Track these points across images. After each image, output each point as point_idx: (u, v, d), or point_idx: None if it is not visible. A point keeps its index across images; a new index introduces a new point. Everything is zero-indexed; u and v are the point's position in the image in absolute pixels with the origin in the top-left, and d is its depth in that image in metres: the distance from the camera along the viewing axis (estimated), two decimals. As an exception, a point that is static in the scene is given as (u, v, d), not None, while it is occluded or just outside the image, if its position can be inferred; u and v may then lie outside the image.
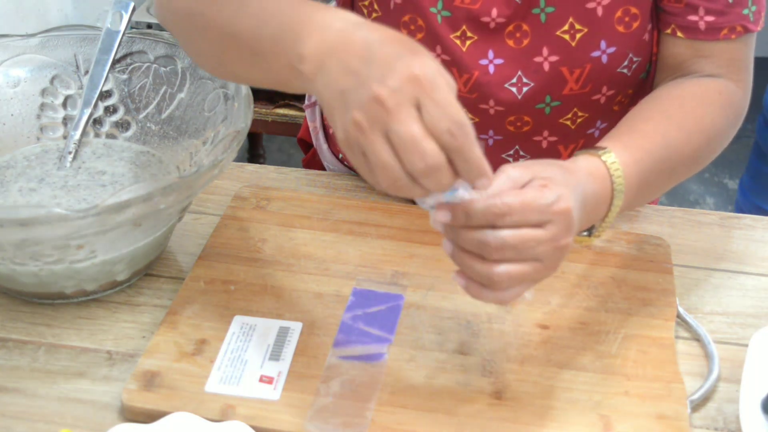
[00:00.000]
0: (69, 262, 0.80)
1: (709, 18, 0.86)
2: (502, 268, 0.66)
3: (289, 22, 0.67)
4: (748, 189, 2.07)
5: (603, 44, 0.87)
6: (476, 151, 0.62)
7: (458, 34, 0.87)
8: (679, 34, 0.88)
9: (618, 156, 0.76)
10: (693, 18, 0.87)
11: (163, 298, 0.87)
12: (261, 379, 0.77)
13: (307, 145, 1.20)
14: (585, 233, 0.78)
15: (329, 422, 0.73)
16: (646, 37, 0.89)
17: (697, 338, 0.84)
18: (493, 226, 0.66)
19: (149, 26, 1.79)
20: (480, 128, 0.93)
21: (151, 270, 0.90)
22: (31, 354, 0.81)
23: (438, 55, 0.88)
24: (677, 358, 0.80)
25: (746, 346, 0.78)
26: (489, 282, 0.67)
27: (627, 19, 0.86)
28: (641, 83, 0.93)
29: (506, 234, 0.66)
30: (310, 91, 0.66)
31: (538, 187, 0.68)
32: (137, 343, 0.82)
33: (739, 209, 2.10)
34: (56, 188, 0.90)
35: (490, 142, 0.94)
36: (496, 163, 0.94)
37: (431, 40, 0.88)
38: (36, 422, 0.75)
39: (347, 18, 0.66)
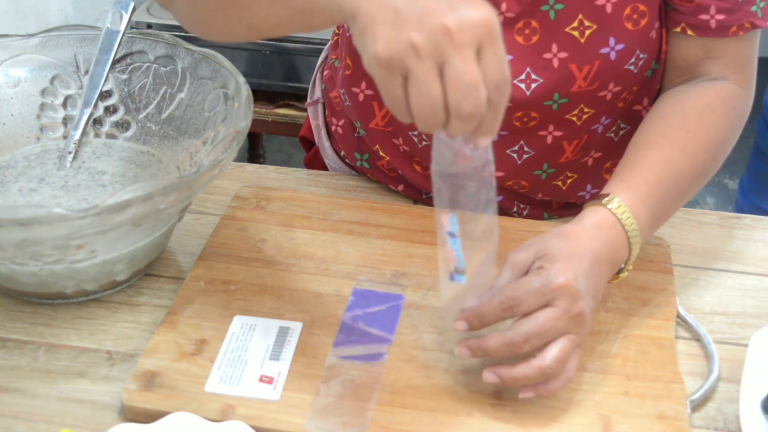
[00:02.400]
0: (69, 262, 0.80)
1: (720, 16, 0.86)
2: (548, 358, 0.71)
3: None
4: (748, 189, 2.07)
5: (612, 41, 0.87)
6: (503, 113, 0.63)
7: None
8: (689, 32, 0.88)
9: (624, 199, 0.80)
10: (704, 17, 0.87)
11: (163, 298, 0.87)
12: (261, 379, 0.77)
13: (308, 144, 1.20)
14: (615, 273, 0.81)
15: (329, 422, 0.73)
16: (653, 34, 0.89)
17: (697, 338, 0.84)
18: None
19: (149, 26, 1.79)
20: None
21: (151, 270, 0.90)
22: (31, 354, 0.81)
23: None
24: (677, 358, 0.80)
25: (746, 346, 0.78)
26: (545, 376, 0.72)
27: (635, 16, 0.86)
28: (646, 81, 0.93)
29: (525, 326, 0.71)
30: (343, 8, 0.63)
31: (536, 271, 0.73)
32: (137, 343, 0.82)
33: (739, 209, 2.10)
34: (56, 188, 0.90)
35: (496, 137, 0.94)
36: (500, 158, 0.95)
37: None
38: (36, 422, 0.75)
39: None
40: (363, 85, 0.98)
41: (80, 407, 0.76)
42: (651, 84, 0.95)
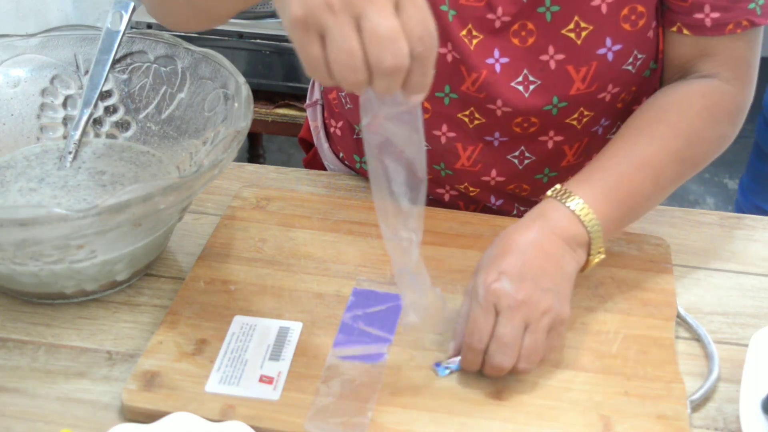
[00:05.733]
0: (69, 262, 0.80)
1: (715, 14, 0.86)
2: (522, 359, 0.76)
3: None
4: (748, 189, 2.07)
5: (608, 42, 0.87)
6: (433, 68, 0.61)
7: (464, 33, 0.87)
8: (685, 31, 0.88)
9: (571, 185, 0.81)
10: (699, 16, 0.86)
11: (163, 298, 0.87)
12: (261, 379, 0.77)
13: (308, 145, 1.20)
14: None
15: (329, 422, 0.73)
16: (651, 34, 0.89)
17: (697, 338, 0.84)
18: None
19: (149, 26, 1.79)
20: (486, 130, 0.93)
21: (151, 270, 0.90)
22: (31, 354, 0.81)
23: (449, 52, 0.88)
24: (677, 358, 0.80)
25: (746, 346, 0.78)
26: (528, 364, 0.76)
27: (633, 17, 0.86)
28: (645, 81, 0.93)
29: (493, 351, 0.75)
30: None
31: (468, 293, 0.78)
32: (137, 343, 0.82)
33: (739, 209, 2.10)
34: (56, 188, 0.90)
35: (496, 143, 0.94)
36: (501, 163, 0.95)
37: (443, 38, 0.87)
38: (36, 422, 0.75)
39: None
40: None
41: (80, 407, 0.76)
42: (650, 85, 0.95)
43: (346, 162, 1.09)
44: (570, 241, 0.79)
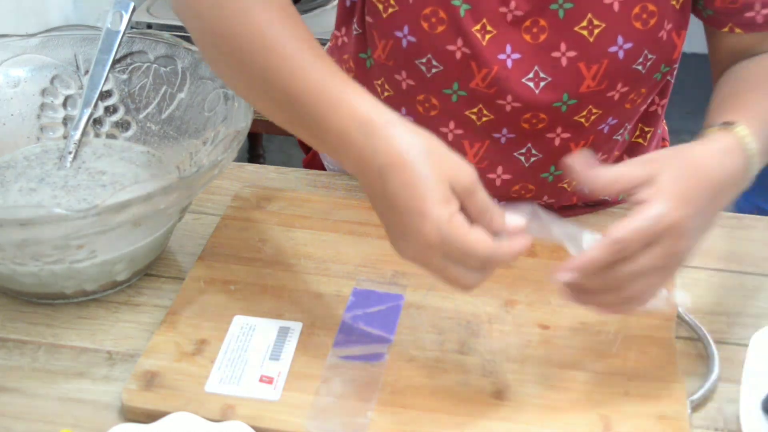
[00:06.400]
0: (69, 262, 0.80)
1: (766, 11, 0.87)
2: (636, 291, 0.70)
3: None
4: (748, 189, 2.06)
5: (620, 40, 0.87)
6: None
7: (478, 27, 0.87)
8: (737, 30, 0.89)
9: (746, 127, 0.77)
10: (750, 14, 0.87)
11: (163, 298, 0.87)
12: (261, 379, 0.77)
13: (307, 145, 1.19)
14: None
15: (329, 422, 0.73)
16: (663, 35, 0.88)
17: (697, 338, 0.84)
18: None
19: (149, 26, 1.79)
20: (494, 126, 0.92)
21: (151, 270, 0.90)
22: (31, 354, 0.81)
23: (458, 49, 0.88)
24: (677, 358, 0.80)
25: (746, 346, 0.78)
26: (628, 303, 0.72)
27: (645, 15, 0.86)
28: (655, 83, 0.93)
29: (627, 270, 0.69)
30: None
31: (645, 207, 0.69)
32: (137, 343, 0.82)
33: (739, 209, 2.10)
34: (56, 188, 0.90)
35: (503, 140, 0.94)
36: (508, 161, 0.95)
37: (453, 33, 0.87)
38: (36, 422, 0.75)
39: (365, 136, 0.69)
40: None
41: (80, 407, 0.76)
42: (660, 86, 0.95)
43: None
44: (733, 196, 0.77)
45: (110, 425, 0.73)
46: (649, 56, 0.89)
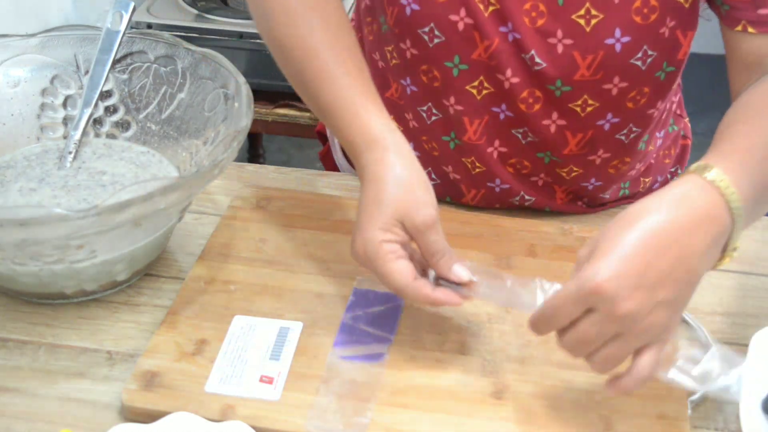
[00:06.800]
0: (69, 262, 0.80)
1: None
2: (599, 359, 0.69)
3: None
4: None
5: (618, 32, 0.86)
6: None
7: None
8: (750, 29, 0.86)
9: (718, 164, 0.69)
10: (763, 11, 0.84)
11: (163, 298, 0.87)
12: (261, 379, 0.77)
13: (324, 138, 1.20)
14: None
15: (329, 422, 0.73)
16: (665, 32, 0.88)
17: (697, 338, 0.84)
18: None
19: (149, 26, 1.79)
20: (494, 100, 0.93)
21: (151, 270, 0.90)
22: (31, 354, 0.81)
23: (461, 19, 0.88)
24: (677, 358, 0.80)
25: (746, 346, 0.78)
26: (602, 369, 0.70)
27: (645, 10, 0.86)
28: (658, 83, 0.92)
29: (566, 337, 0.69)
30: None
31: (576, 274, 0.67)
32: (137, 343, 0.82)
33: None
34: (56, 188, 0.90)
35: (502, 116, 0.94)
36: (506, 137, 0.95)
37: (456, 3, 0.87)
38: (36, 422, 0.75)
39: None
40: (377, 55, 0.99)
41: (80, 407, 0.76)
42: (665, 87, 0.94)
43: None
44: (720, 242, 0.69)
45: (110, 425, 0.73)
46: (650, 52, 0.88)
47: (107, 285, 0.85)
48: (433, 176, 1.02)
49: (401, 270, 0.75)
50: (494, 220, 0.97)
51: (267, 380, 0.77)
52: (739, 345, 0.83)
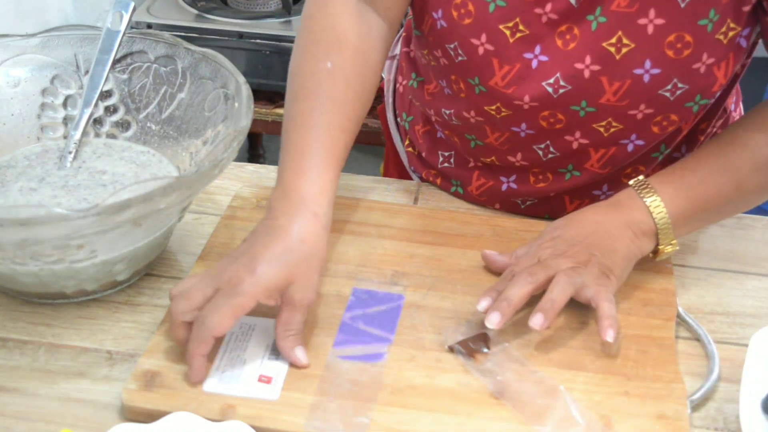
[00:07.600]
0: (69, 262, 0.80)
1: None
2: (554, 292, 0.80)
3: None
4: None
5: (648, 63, 0.85)
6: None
7: (510, 25, 0.86)
8: None
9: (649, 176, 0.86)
10: None
11: (163, 298, 0.87)
12: (260, 379, 0.77)
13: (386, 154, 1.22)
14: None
15: (329, 422, 0.73)
16: (701, 68, 0.85)
17: (697, 338, 0.84)
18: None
19: (149, 26, 1.79)
20: (513, 120, 0.92)
21: (151, 270, 0.90)
22: (31, 354, 0.81)
23: (481, 44, 0.88)
24: (677, 358, 0.80)
25: (746, 346, 0.78)
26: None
27: (679, 45, 0.84)
28: (689, 113, 0.91)
29: (525, 262, 0.85)
30: None
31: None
32: (137, 343, 0.82)
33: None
34: (56, 188, 0.90)
35: (522, 134, 0.94)
36: (528, 151, 0.95)
37: (477, 28, 0.87)
38: (36, 422, 0.75)
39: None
40: (419, 53, 1.00)
41: (80, 407, 0.76)
42: (699, 115, 0.93)
43: (398, 119, 1.12)
44: (635, 228, 0.86)
45: (110, 425, 0.73)
46: (680, 85, 0.86)
47: (107, 285, 0.85)
48: (445, 154, 1.05)
49: (224, 318, 0.75)
50: (494, 220, 0.97)
51: (266, 380, 0.77)
52: (739, 345, 0.83)
